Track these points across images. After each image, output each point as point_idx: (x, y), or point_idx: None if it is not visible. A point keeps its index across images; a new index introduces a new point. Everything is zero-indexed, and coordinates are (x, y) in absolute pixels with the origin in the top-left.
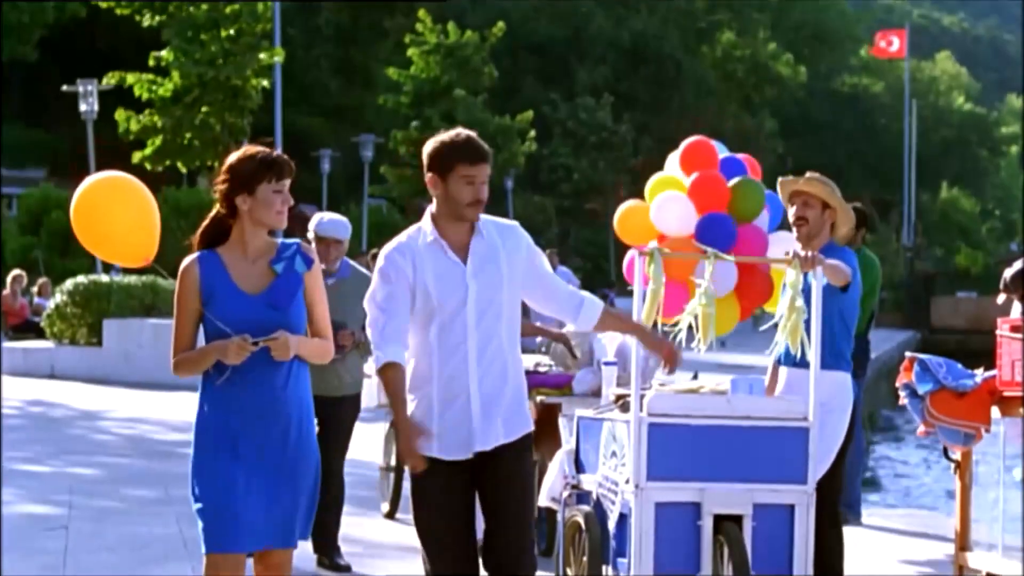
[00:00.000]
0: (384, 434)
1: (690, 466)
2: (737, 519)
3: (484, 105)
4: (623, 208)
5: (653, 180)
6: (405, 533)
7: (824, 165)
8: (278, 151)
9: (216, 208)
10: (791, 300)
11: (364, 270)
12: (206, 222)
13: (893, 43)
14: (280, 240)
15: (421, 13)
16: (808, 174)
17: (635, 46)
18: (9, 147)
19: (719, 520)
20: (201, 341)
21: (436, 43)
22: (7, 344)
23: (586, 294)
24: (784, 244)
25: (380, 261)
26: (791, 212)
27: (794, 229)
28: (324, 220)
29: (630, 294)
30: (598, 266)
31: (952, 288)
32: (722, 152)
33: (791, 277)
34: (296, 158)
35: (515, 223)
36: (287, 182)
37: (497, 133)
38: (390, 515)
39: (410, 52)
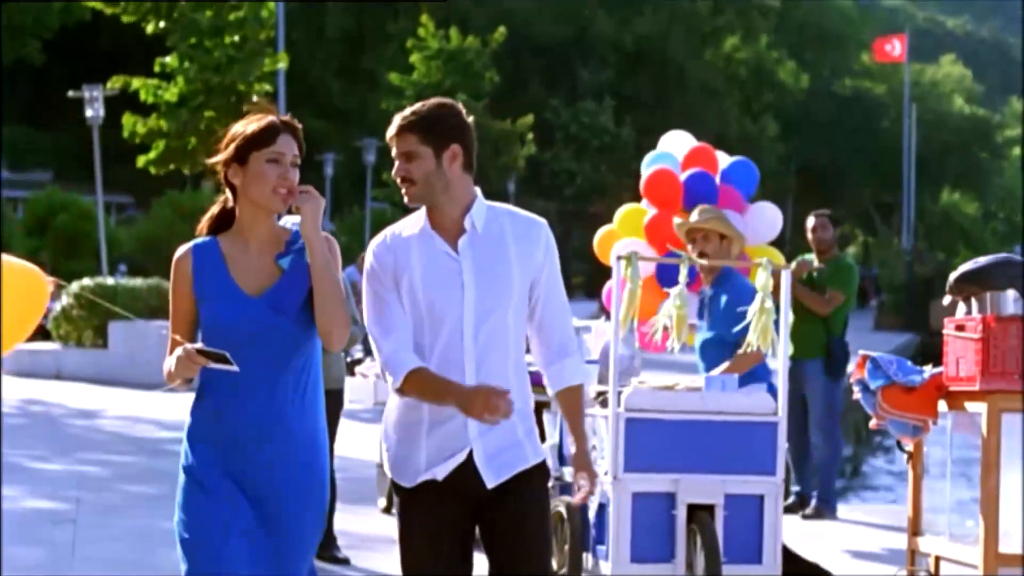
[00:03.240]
0: (380, 432)
1: (665, 458)
2: (709, 508)
3: (486, 110)
4: (599, 234)
5: (620, 212)
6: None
7: (826, 167)
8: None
9: (224, 192)
10: (761, 302)
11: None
12: (215, 208)
13: (895, 48)
14: (294, 227)
15: (423, 18)
16: (700, 209)
17: (638, 49)
18: (15, 150)
19: (692, 509)
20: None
21: (438, 48)
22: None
23: (575, 356)
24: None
25: (367, 258)
26: (691, 249)
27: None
28: (291, 223)
29: None
30: (601, 269)
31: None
32: (723, 159)
33: (761, 280)
34: (303, 162)
35: (541, 220)
36: (287, 152)
37: (499, 138)
38: (387, 510)
39: (412, 58)
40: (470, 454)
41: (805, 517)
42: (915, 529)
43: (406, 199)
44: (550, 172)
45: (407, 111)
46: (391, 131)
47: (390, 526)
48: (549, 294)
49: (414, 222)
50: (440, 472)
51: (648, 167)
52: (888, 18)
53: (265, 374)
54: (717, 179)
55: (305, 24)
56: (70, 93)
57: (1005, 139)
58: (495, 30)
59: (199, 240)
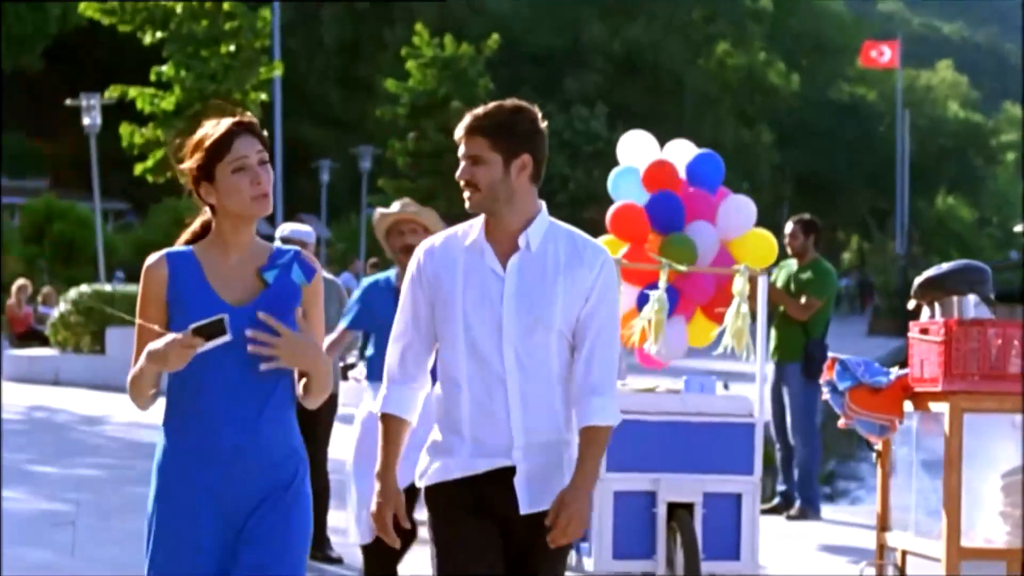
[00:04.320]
0: None
1: (646, 458)
2: (689, 506)
3: None
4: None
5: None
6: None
7: (822, 174)
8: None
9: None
10: (737, 307)
11: (330, 276)
12: (195, 224)
13: (884, 54)
14: (276, 246)
15: (418, 27)
16: (403, 201)
17: (631, 56)
18: (11, 157)
19: (672, 507)
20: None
21: (433, 56)
22: (13, 352)
23: (609, 396)
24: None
25: (415, 257)
26: (396, 241)
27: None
28: (288, 228)
29: None
30: None
31: None
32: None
33: (738, 286)
34: (296, 168)
35: (601, 247)
36: (250, 153)
37: None
38: None
39: (408, 65)
40: (511, 470)
41: (790, 518)
42: (883, 525)
43: (467, 205)
44: (544, 178)
45: (480, 111)
46: (460, 130)
47: None
48: (597, 325)
49: (470, 230)
50: (482, 464)
51: (612, 186)
52: (883, 24)
53: (246, 388)
54: (682, 173)
55: (301, 33)
56: (68, 102)
57: (999, 144)
58: (489, 38)
59: (172, 248)
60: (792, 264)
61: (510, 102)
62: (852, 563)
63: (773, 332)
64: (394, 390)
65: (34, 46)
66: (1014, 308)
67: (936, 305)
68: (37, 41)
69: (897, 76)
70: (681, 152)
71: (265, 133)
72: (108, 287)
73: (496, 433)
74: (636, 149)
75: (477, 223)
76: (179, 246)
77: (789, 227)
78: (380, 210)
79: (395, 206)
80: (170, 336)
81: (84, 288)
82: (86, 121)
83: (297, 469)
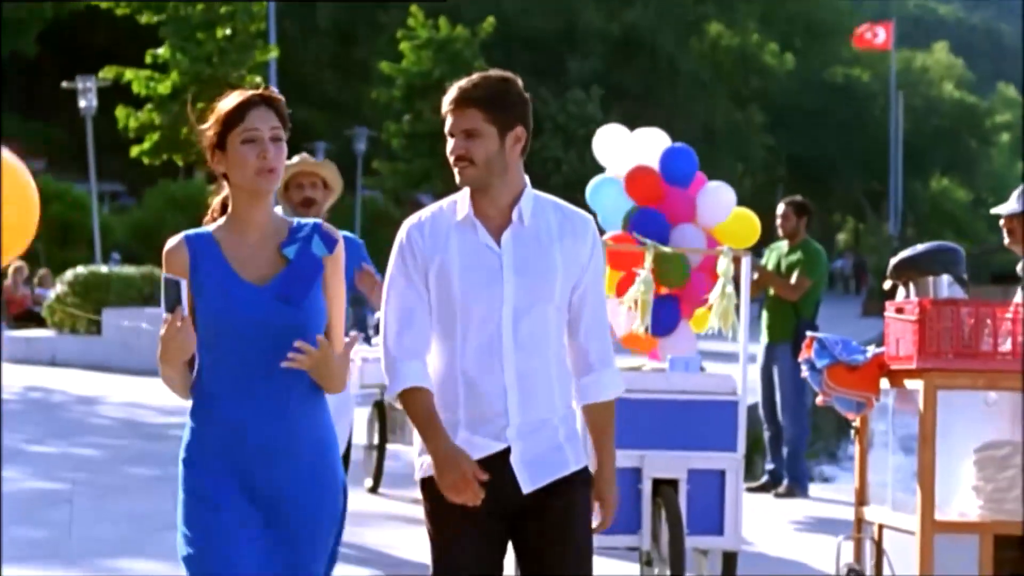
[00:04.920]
0: (367, 416)
1: (631, 435)
2: (673, 483)
3: None
4: None
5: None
6: (387, 505)
7: (816, 156)
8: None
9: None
10: (722, 287)
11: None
12: (216, 201)
13: (878, 35)
14: (295, 219)
15: (413, 8)
16: (302, 155)
17: (625, 39)
18: (8, 139)
19: (657, 484)
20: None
21: (427, 38)
22: (10, 333)
23: (611, 368)
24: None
25: (400, 236)
26: (295, 193)
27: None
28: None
29: None
30: None
31: None
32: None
33: (722, 267)
34: (292, 151)
35: (588, 216)
36: (263, 127)
37: None
38: (373, 489)
39: (402, 47)
40: (506, 453)
41: (778, 496)
42: (861, 499)
43: (459, 179)
44: (538, 161)
45: (466, 82)
46: (449, 103)
47: (376, 505)
48: (591, 297)
49: (456, 206)
50: (476, 453)
51: (592, 195)
52: (878, 6)
53: (272, 370)
54: (656, 164)
55: (297, 15)
56: (64, 84)
57: (994, 125)
58: (484, 20)
59: (191, 231)
60: (783, 246)
61: (495, 73)
62: (830, 535)
63: (764, 313)
64: (402, 366)
65: (30, 30)
66: (1007, 288)
67: (911, 285)
68: (33, 24)
69: (891, 57)
70: (653, 142)
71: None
72: (104, 268)
73: (491, 414)
74: (612, 150)
75: (462, 198)
76: (201, 228)
77: (781, 209)
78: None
79: (294, 159)
80: (161, 334)
81: (80, 269)
82: (82, 104)
83: (329, 453)
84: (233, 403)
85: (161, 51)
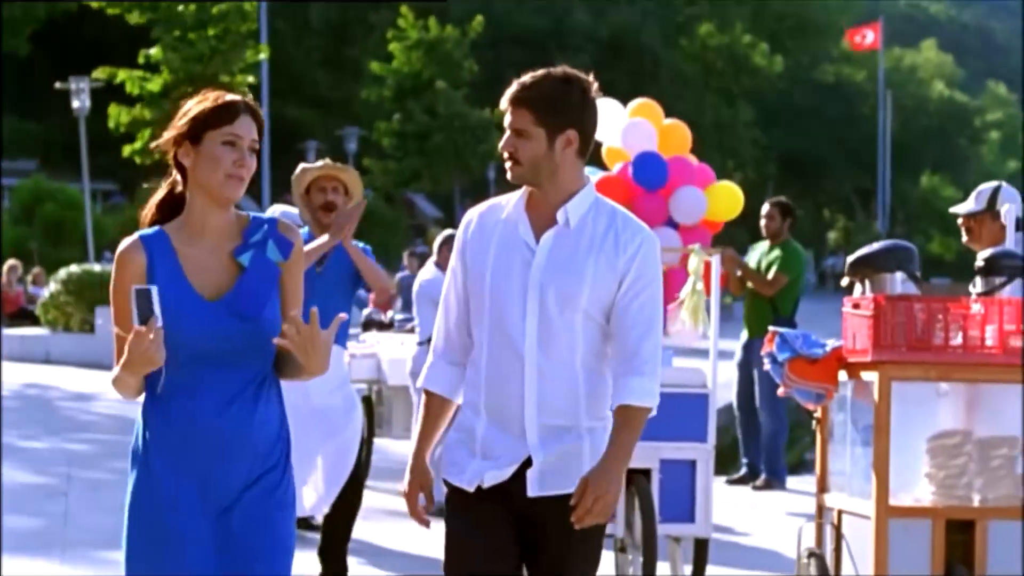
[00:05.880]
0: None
1: None
2: (646, 472)
3: (465, 99)
4: None
5: None
6: (373, 498)
7: (806, 154)
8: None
9: (172, 174)
10: (692, 284)
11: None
12: (160, 192)
13: (867, 36)
14: (251, 215)
15: (403, 9)
16: (325, 160)
17: (614, 38)
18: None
19: (630, 473)
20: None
21: (417, 38)
22: (5, 331)
23: (648, 377)
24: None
25: (460, 228)
26: (317, 197)
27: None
28: (278, 210)
29: None
30: None
31: (926, 274)
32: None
33: (693, 264)
34: (283, 150)
35: (645, 228)
36: (246, 136)
37: (478, 126)
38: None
39: (392, 47)
40: (526, 462)
41: (756, 488)
42: (822, 487)
43: (508, 176)
44: None
45: (528, 79)
46: (506, 99)
47: (366, 497)
48: (635, 305)
49: (511, 200)
50: (489, 479)
51: None
52: (869, 4)
53: (224, 385)
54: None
55: (288, 13)
56: (57, 85)
57: (984, 123)
58: (473, 20)
59: (146, 232)
60: (764, 246)
61: (560, 70)
62: (796, 520)
63: (744, 309)
64: (437, 366)
65: (22, 29)
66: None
67: (867, 282)
68: (26, 24)
69: (880, 57)
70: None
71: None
72: (97, 267)
73: (509, 413)
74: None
75: (522, 192)
76: (148, 226)
77: (766, 209)
78: (303, 165)
79: (317, 163)
80: (129, 343)
81: (73, 268)
82: (75, 104)
83: (281, 458)
84: (186, 412)
85: (154, 51)
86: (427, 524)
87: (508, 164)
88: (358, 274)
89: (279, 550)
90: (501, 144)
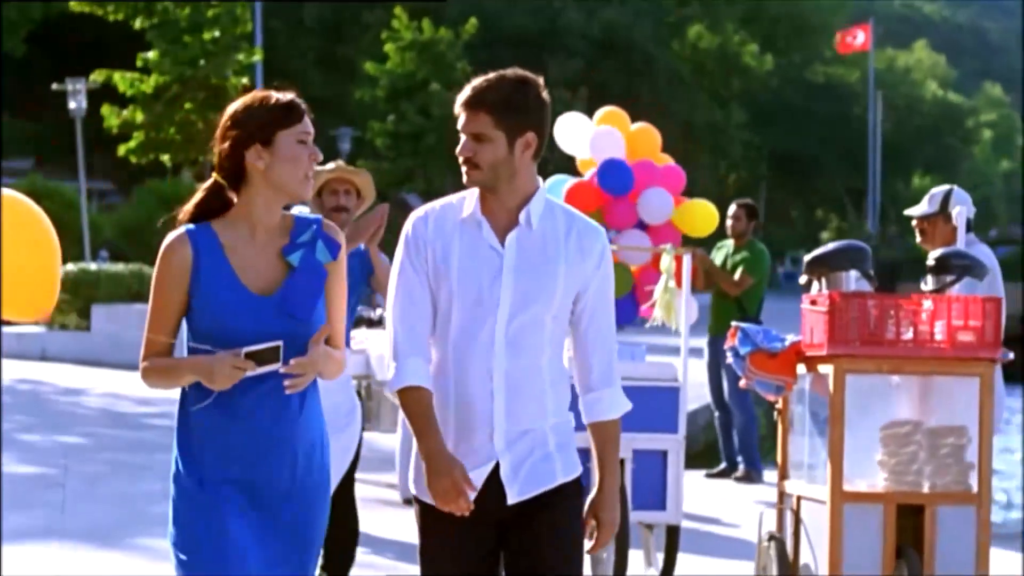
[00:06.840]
0: None
1: (580, 418)
2: (620, 461)
3: None
4: None
5: None
6: (362, 489)
7: (798, 154)
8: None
9: (213, 177)
10: (664, 282)
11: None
12: (200, 194)
13: (857, 37)
14: (295, 214)
15: (397, 10)
16: (338, 162)
17: (606, 38)
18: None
19: None
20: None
21: (411, 39)
22: (2, 329)
23: (615, 387)
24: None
25: (406, 228)
26: (328, 200)
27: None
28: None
29: None
30: None
31: (916, 275)
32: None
33: (664, 263)
34: None
35: (599, 227)
36: (311, 134)
37: None
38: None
39: (386, 48)
40: (496, 468)
41: (737, 480)
42: (783, 474)
43: (465, 180)
44: None
45: (482, 82)
46: (461, 102)
47: (357, 488)
48: (596, 311)
49: (464, 202)
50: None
51: None
52: (863, 4)
53: (270, 382)
54: (593, 178)
55: (283, 13)
56: (54, 86)
57: (977, 123)
58: (467, 21)
59: (192, 225)
60: (729, 244)
61: (512, 72)
62: (762, 507)
63: (710, 308)
64: (405, 363)
65: (18, 30)
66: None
67: (823, 280)
68: (21, 25)
69: (876, 58)
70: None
71: None
72: (93, 266)
73: (477, 418)
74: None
75: (471, 194)
76: (188, 221)
77: (732, 210)
78: (315, 168)
79: (330, 166)
80: (221, 355)
81: (70, 267)
82: (72, 105)
83: (321, 457)
84: (230, 409)
85: (151, 55)
86: (469, 507)
87: (465, 169)
88: (365, 275)
89: (314, 548)
90: (459, 149)
